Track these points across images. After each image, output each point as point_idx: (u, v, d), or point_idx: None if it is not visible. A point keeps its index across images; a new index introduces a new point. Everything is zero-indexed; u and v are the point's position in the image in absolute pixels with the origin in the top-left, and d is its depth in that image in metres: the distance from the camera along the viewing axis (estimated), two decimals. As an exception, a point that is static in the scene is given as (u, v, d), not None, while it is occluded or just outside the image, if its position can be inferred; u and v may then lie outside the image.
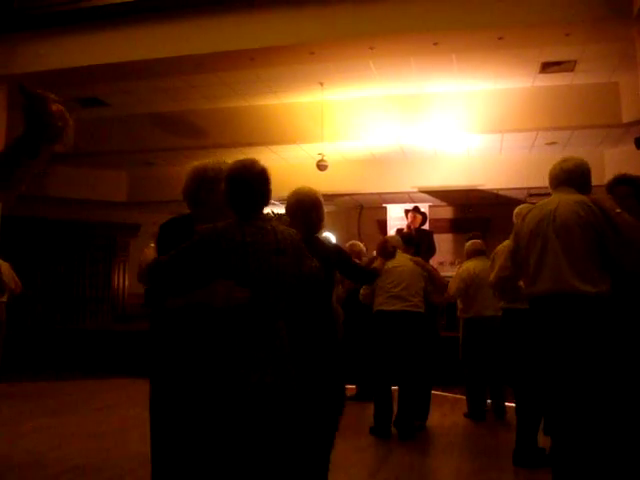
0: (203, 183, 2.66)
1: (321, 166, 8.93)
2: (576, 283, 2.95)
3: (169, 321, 2.58)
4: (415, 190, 11.24)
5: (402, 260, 5.43)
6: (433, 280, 5.44)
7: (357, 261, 5.35)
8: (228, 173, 2.51)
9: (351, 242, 6.83)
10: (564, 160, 3.45)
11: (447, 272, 8.58)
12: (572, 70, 7.78)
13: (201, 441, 2.40)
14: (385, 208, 11.87)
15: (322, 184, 10.58)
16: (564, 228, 3.05)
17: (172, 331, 2.57)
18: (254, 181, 2.50)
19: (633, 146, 6.04)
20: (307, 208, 3.45)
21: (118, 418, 5.91)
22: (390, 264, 5.12)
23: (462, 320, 6.07)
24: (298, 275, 2.61)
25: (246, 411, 2.32)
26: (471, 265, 5.89)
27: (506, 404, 5.77)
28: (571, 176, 3.32)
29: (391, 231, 11.17)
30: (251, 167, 2.51)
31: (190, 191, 2.70)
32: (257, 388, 2.34)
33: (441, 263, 10.72)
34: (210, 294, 2.39)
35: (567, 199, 3.15)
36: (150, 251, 2.40)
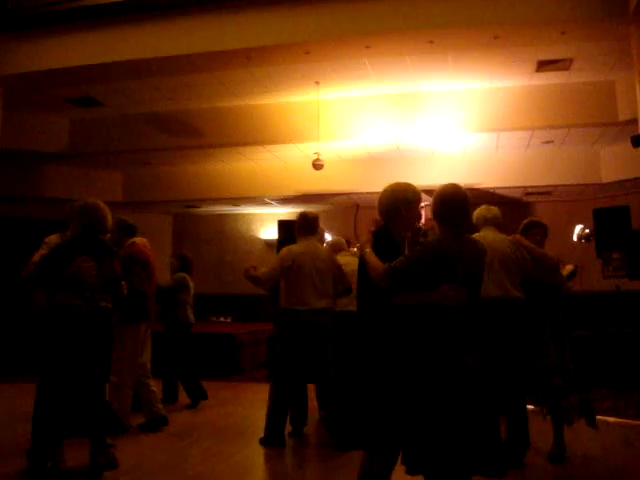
0: (403, 202, 3.24)
1: (317, 165, 8.90)
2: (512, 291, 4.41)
3: (397, 315, 3.07)
4: (411, 189, 11.22)
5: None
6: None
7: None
8: (444, 196, 3.14)
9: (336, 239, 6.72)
10: (488, 209, 4.72)
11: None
12: (568, 68, 7.77)
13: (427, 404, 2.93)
14: (381, 207, 11.84)
15: (318, 183, 10.68)
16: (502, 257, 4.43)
17: (400, 323, 3.06)
18: (464, 203, 3.13)
19: (629, 144, 6.01)
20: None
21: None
22: (350, 267, 5.51)
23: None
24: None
25: (462, 382, 2.93)
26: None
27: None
28: (497, 221, 4.69)
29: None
30: (459, 192, 3.14)
31: (390, 207, 3.26)
32: (471, 367, 2.96)
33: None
34: (441, 295, 2.95)
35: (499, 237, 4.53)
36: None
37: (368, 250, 3.17)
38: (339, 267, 5.33)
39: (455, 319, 2.99)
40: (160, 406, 5.75)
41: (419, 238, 3.38)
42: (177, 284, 7.09)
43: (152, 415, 5.62)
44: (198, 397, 6.90)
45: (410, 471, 3.01)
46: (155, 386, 5.79)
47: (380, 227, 3.35)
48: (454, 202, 3.11)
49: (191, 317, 7.19)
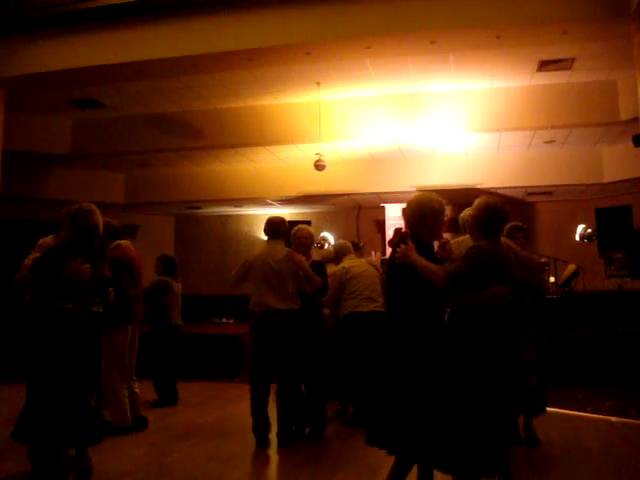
0: (429, 212, 3.44)
1: (319, 166, 8.91)
2: None
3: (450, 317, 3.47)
4: (413, 189, 11.19)
5: (364, 264, 6.04)
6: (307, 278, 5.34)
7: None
8: (489, 208, 3.50)
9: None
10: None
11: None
12: (570, 68, 7.76)
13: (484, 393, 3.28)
14: (383, 208, 11.86)
15: (320, 184, 10.69)
16: None
17: (454, 324, 3.41)
18: (505, 215, 3.54)
19: (631, 144, 6.02)
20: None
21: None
22: (358, 269, 5.90)
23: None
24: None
25: (513, 374, 3.38)
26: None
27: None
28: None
29: (389, 231, 11.17)
30: (500, 204, 3.54)
31: (415, 217, 3.47)
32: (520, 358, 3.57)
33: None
34: (493, 296, 3.30)
35: None
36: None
37: (417, 256, 3.30)
38: (303, 268, 5.25)
39: (504, 318, 3.35)
40: (140, 408, 5.74)
41: (439, 249, 3.61)
42: (156, 287, 7.10)
43: (132, 416, 5.60)
44: (170, 400, 6.92)
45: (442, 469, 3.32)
46: (147, 388, 5.78)
47: (406, 233, 3.57)
48: (498, 213, 3.50)
49: (175, 319, 7.19)
